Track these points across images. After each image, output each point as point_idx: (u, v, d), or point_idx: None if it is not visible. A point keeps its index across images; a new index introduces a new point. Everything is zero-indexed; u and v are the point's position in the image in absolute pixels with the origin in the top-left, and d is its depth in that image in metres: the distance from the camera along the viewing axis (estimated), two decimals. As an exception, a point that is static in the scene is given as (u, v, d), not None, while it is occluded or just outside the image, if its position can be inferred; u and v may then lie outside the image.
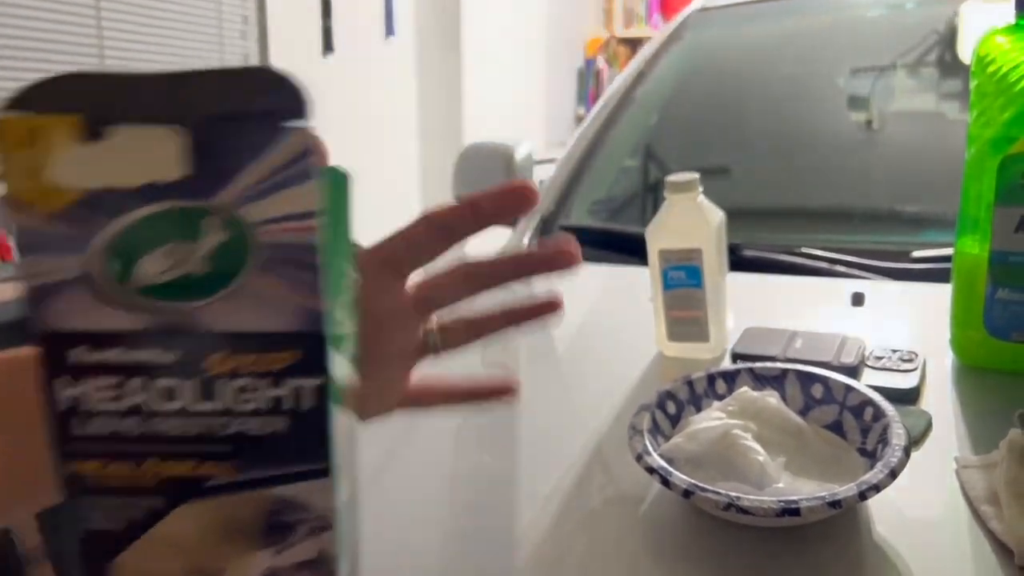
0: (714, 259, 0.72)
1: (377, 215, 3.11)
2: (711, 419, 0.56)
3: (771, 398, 0.58)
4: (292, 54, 2.71)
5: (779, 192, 1.26)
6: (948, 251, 0.70)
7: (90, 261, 0.25)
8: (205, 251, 0.25)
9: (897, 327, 0.78)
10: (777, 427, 0.56)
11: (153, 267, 0.25)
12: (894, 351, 0.68)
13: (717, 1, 1.68)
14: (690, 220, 0.72)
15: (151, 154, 0.24)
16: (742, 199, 1.26)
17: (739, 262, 0.97)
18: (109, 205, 0.24)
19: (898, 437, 0.51)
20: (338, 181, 0.32)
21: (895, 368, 0.66)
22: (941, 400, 0.64)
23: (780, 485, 0.51)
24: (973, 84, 0.64)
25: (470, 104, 3.59)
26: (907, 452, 0.50)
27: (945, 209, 0.71)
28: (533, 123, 4.28)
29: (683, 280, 0.73)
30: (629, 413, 0.58)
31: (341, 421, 0.28)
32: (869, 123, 1.35)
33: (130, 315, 0.25)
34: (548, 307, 0.45)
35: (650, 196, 1.33)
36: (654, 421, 0.58)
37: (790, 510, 0.47)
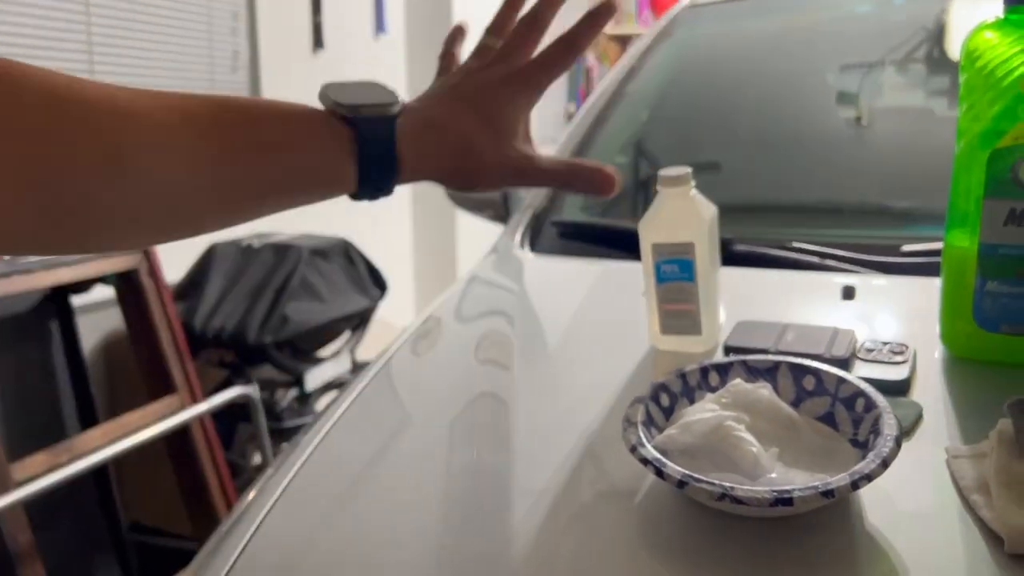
0: (707, 253, 0.72)
1: (366, 213, 3.12)
2: (705, 411, 0.56)
3: (764, 390, 0.58)
4: (282, 50, 2.70)
5: (770, 187, 1.26)
6: (938, 245, 0.70)
7: None
8: None
9: (888, 320, 0.79)
10: (770, 418, 0.57)
11: None
12: (885, 343, 0.69)
13: (707, -2, 1.69)
14: (683, 214, 0.72)
15: None
16: (733, 194, 1.27)
17: (731, 256, 0.97)
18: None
19: (889, 427, 0.52)
20: None
21: (886, 360, 0.66)
22: (932, 391, 0.64)
23: (773, 476, 0.52)
24: (962, 78, 0.65)
25: (461, 101, 3.59)
26: (898, 442, 0.50)
27: (934, 204, 0.72)
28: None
29: (676, 274, 0.73)
30: (623, 406, 0.58)
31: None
32: (858, 119, 1.36)
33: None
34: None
35: (641, 192, 1.34)
36: (648, 413, 0.58)
37: (783, 500, 0.47)
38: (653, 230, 0.73)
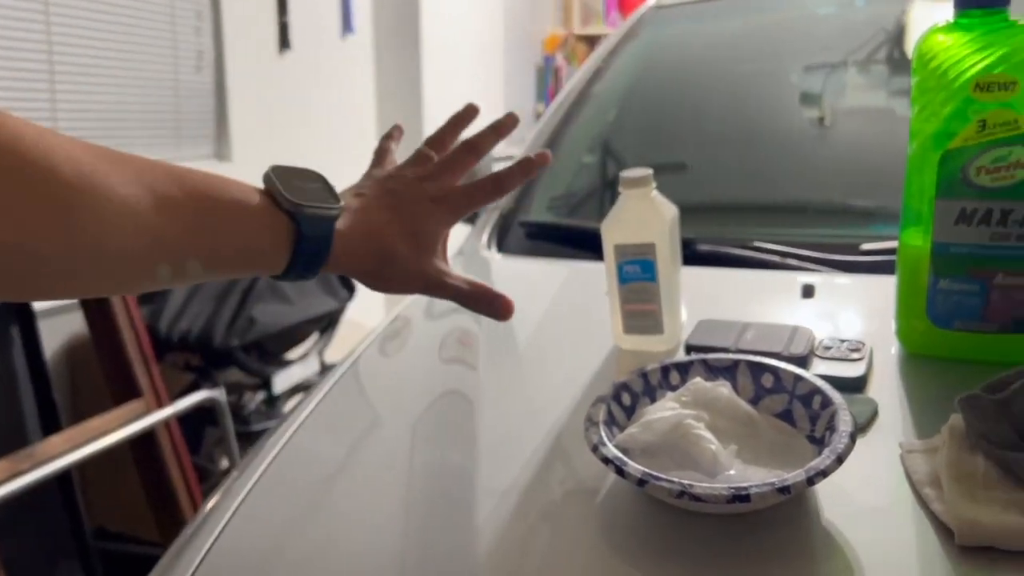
0: (668, 253, 0.73)
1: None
2: (665, 409, 0.57)
3: (723, 388, 0.59)
4: (248, 51, 2.67)
5: (734, 187, 1.27)
6: (895, 244, 0.72)
7: None
8: None
9: (846, 318, 0.80)
10: (729, 416, 0.58)
11: None
12: (842, 341, 0.70)
13: (672, -1, 1.70)
14: (644, 215, 0.73)
15: None
16: (698, 194, 1.28)
17: (694, 256, 0.98)
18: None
19: (845, 424, 0.53)
20: None
21: (843, 358, 0.67)
22: (887, 388, 0.66)
23: (732, 472, 0.53)
24: (915, 80, 0.66)
25: (430, 101, 3.58)
26: (853, 438, 0.51)
27: (894, 203, 0.73)
28: (493, 120, 4.28)
29: (638, 274, 0.74)
30: (586, 406, 0.59)
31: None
32: (821, 119, 1.37)
33: None
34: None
35: (608, 192, 1.34)
36: (610, 413, 0.59)
37: (740, 496, 0.48)
38: (615, 231, 0.74)
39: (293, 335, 2.02)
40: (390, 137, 0.69)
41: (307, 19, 2.94)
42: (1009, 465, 0.50)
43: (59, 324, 1.91)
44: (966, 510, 0.48)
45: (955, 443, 0.53)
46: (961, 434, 0.54)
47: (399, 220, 0.57)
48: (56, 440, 1.52)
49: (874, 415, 0.61)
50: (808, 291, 0.84)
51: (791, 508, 0.52)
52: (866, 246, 0.92)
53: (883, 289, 0.78)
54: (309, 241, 0.52)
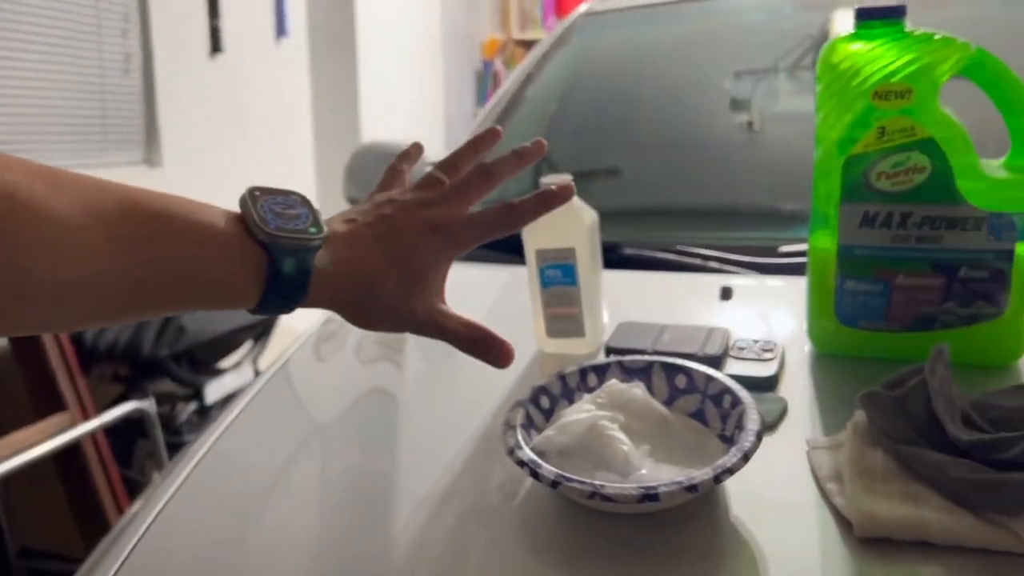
0: (588, 258, 0.74)
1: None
2: (581, 412, 0.58)
3: (637, 389, 0.60)
4: (178, 54, 2.62)
5: (664, 192, 1.30)
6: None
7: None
8: None
9: (761, 318, 0.82)
10: (643, 417, 0.59)
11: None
12: (756, 341, 0.72)
13: (603, 5, 1.72)
14: (564, 220, 0.74)
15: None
16: (628, 199, 1.30)
17: (620, 260, 1.00)
18: None
19: (752, 422, 0.54)
20: None
21: (756, 357, 0.69)
22: (798, 386, 0.68)
23: (643, 472, 0.53)
24: (819, 88, 0.68)
25: (367, 105, 3.55)
26: (759, 436, 0.53)
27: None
28: (433, 123, 4.28)
29: (559, 278, 0.75)
30: (507, 410, 0.60)
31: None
32: (750, 124, 1.40)
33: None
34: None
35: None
36: (528, 416, 0.60)
37: (650, 496, 0.49)
38: (536, 236, 0.75)
39: (225, 343, 1.99)
40: (406, 156, 0.61)
41: (240, 22, 2.90)
42: (905, 459, 0.52)
43: (-22, 336, 1.84)
44: (864, 503, 0.50)
45: (857, 439, 0.55)
46: (863, 430, 0.56)
47: (391, 251, 0.50)
48: (-26, 456, 1.47)
49: (783, 413, 0.63)
50: (726, 293, 0.86)
51: (701, 506, 0.53)
52: (784, 248, 0.95)
53: (799, 290, 0.80)
54: (284, 275, 0.46)
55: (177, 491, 0.62)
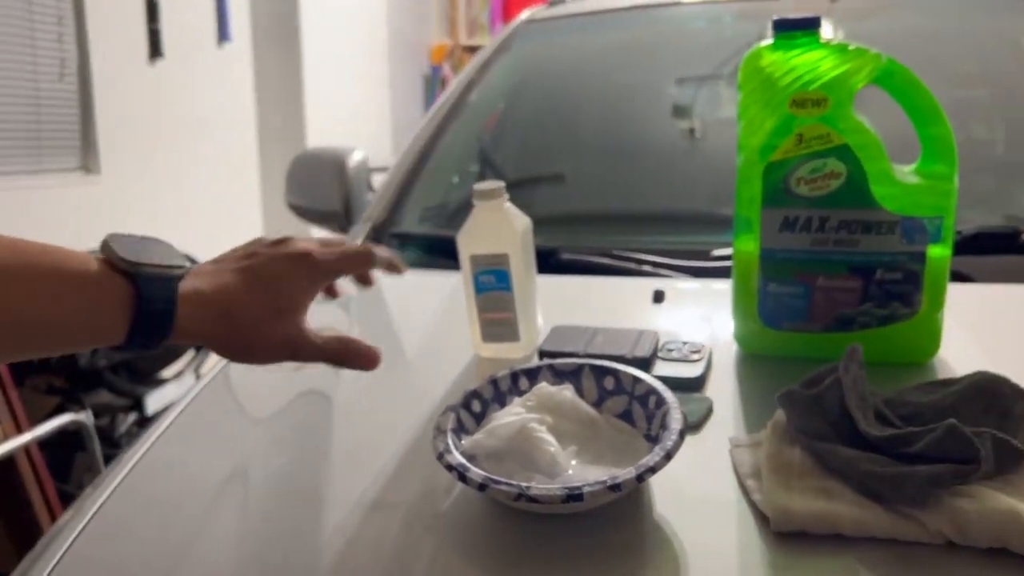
0: (521, 263, 0.75)
1: (215, 221, 3.00)
2: (511, 415, 0.59)
3: (567, 391, 0.61)
4: (115, 59, 2.57)
5: (606, 197, 1.31)
6: (736, 249, 0.76)
7: None
8: None
9: (691, 321, 0.84)
10: (572, 418, 0.60)
11: None
12: (684, 343, 0.73)
13: (545, 12, 1.73)
14: (497, 226, 0.75)
15: None
16: (572, 204, 1.31)
17: (558, 265, 1.01)
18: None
19: (675, 422, 0.55)
20: None
21: (684, 359, 0.71)
22: (724, 386, 0.69)
23: (570, 473, 0.55)
24: (740, 97, 0.70)
25: (313, 110, 3.53)
26: (682, 435, 0.54)
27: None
28: (380, 128, 4.26)
29: (493, 284, 0.76)
30: (439, 414, 0.60)
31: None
32: (692, 131, 1.43)
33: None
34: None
35: (480, 202, 1.36)
36: (459, 420, 0.60)
37: (574, 496, 0.50)
38: (469, 242, 0.76)
39: (166, 353, 1.96)
40: None
41: (180, 26, 2.86)
42: (820, 455, 0.54)
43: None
44: (780, 499, 0.51)
45: (776, 437, 0.57)
46: (782, 428, 0.58)
47: (256, 281, 0.52)
48: (-100, 473, 1.42)
49: (708, 413, 0.64)
50: (659, 296, 0.87)
51: (626, 505, 0.54)
52: (716, 252, 0.97)
53: (727, 293, 0.82)
54: (150, 303, 0.47)
55: (109, 498, 0.62)
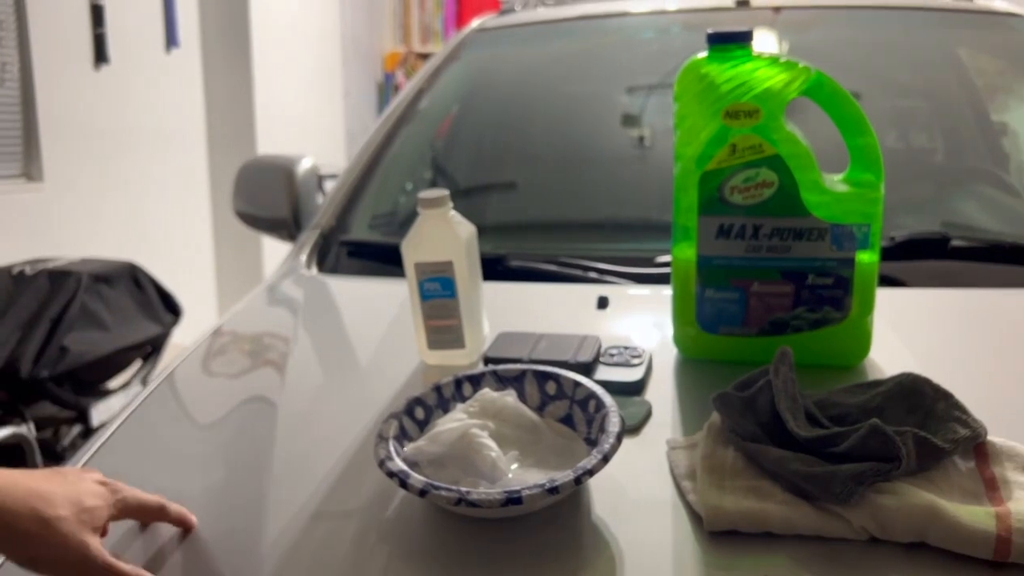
0: (466, 270, 0.76)
1: (163, 229, 2.94)
2: (453, 421, 0.60)
3: (509, 397, 0.62)
4: (59, 64, 2.52)
5: (555, 205, 1.33)
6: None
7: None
8: None
9: (634, 326, 0.86)
10: (514, 423, 0.61)
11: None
12: (626, 348, 0.75)
13: (495, 21, 1.74)
14: (441, 234, 0.75)
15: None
16: (521, 212, 1.33)
17: (506, 272, 1.02)
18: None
19: (613, 425, 0.57)
20: None
21: (625, 363, 0.72)
22: (663, 390, 0.71)
23: (510, 477, 0.55)
24: (676, 107, 0.72)
25: (264, 117, 3.49)
26: (620, 438, 0.55)
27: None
28: (333, 135, 4.24)
29: (438, 291, 0.76)
30: (381, 422, 0.61)
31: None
32: (641, 139, 1.45)
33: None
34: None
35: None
36: (402, 427, 0.61)
37: (513, 499, 0.51)
38: (414, 250, 0.76)
39: (112, 363, 1.92)
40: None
41: (126, 32, 2.81)
42: (751, 455, 0.56)
43: None
44: (713, 499, 0.53)
45: (711, 438, 0.59)
46: (718, 430, 0.59)
47: (62, 489, 0.54)
48: None
49: (647, 416, 0.66)
50: (603, 302, 0.89)
51: (565, 507, 0.55)
52: (660, 259, 0.99)
53: (669, 299, 0.84)
54: None
55: None
